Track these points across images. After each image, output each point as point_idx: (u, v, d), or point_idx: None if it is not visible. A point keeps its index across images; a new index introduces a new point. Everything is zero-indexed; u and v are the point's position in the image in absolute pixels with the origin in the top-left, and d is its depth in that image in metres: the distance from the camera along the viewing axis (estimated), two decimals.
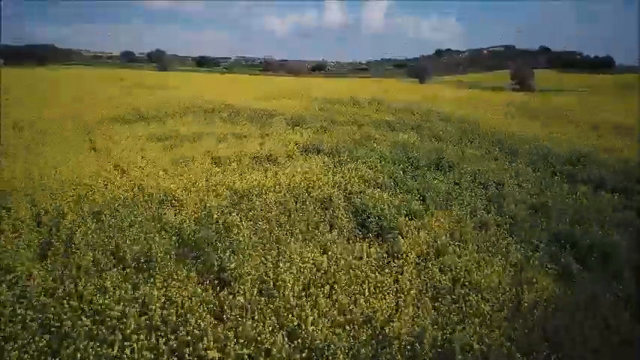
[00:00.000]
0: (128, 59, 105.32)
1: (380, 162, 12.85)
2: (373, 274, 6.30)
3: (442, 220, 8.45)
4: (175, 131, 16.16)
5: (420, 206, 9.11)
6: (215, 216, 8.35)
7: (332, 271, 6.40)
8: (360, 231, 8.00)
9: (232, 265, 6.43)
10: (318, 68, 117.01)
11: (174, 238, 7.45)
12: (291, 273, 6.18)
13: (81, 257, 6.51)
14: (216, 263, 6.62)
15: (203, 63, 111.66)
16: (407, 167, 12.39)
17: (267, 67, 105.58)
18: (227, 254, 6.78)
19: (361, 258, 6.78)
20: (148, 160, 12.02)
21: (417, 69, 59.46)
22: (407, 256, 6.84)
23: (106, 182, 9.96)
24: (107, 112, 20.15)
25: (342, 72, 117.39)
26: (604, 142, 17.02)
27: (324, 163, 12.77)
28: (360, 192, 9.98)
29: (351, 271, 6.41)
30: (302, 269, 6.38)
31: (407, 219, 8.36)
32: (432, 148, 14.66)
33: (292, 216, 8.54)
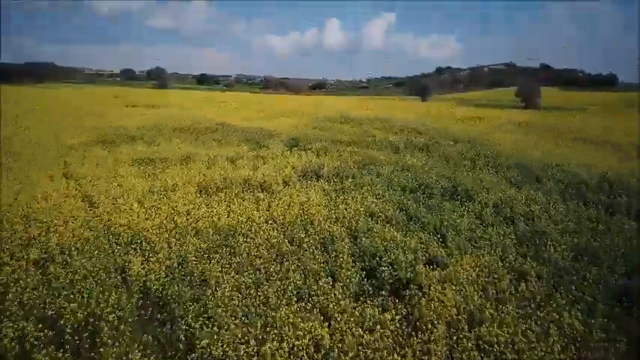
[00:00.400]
0: (128, 77, 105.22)
1: (388, 189, 11.40)
2: (390, 357, 4.72)
3: (470, 269, 6.89)
4: (162, 153, 14.75)
5: (442, 249, 7.57)
6: (191, 265, 6.82)
7: (336, 351, 4.82)
8: (369, 285, 6.43)
9: (204, 342, 4.87)
10: (319, 86, 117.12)
11: (135, 296, 5.91)
12: (281, 357, 4.61)
13: (6, 330, 4.95)
14: (183, 337, 5.07)
15: (203, 81, 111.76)
16: (419, 196, 10.90)
17: (267, 84, 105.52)
18: (199, 323, 5.24)
19: (373, 330, 5.19)
20: (124, 190, 10.53)
21: (418, 86, 58.53)
22: (433, 326, 5.26)
23: (67, 218, 8.45)
24: (92, 132, 18.84)
25: (342, 89, 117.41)
26: (625, 164, 15.54)
27: (324, 191, 11.30)
28: (368, 230, 8.45)
29: (361, 351, 4.83)
30: (296, 349, 4.80)
31: (427, 268, 6.81)
32: (445, 173, 13.19)
33: (286, 263, 7.00)
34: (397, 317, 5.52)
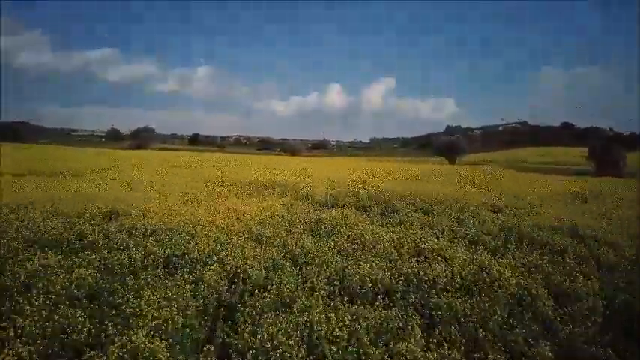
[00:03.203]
0: (114, 137, 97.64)
1: None
2: None
3: None
4: None
5: None
6: None
7: None
8: None
9: None
10: (320, 147, 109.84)
11: None
12: None
13: None
14: None
15: (196, 141, 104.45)
16: None
17: (263, 146, 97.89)
18: None
19: None
20: None
21: (445, 146, 48.08)
22: None
23: None
24: None
25: (344, 150, 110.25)
26: None
27: None
28: None
29: None
30: None
31: None
32: None
33: None
34: None
